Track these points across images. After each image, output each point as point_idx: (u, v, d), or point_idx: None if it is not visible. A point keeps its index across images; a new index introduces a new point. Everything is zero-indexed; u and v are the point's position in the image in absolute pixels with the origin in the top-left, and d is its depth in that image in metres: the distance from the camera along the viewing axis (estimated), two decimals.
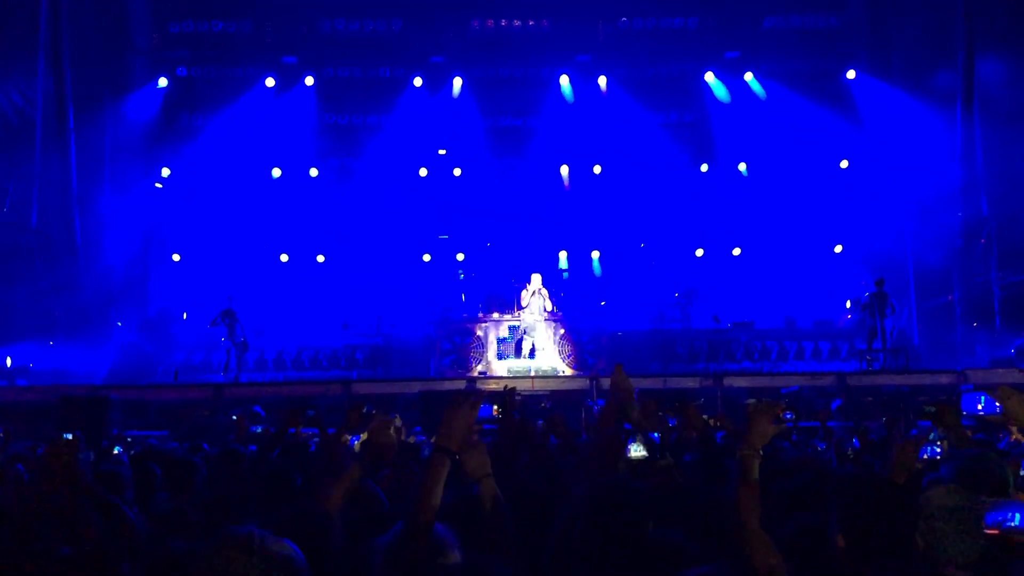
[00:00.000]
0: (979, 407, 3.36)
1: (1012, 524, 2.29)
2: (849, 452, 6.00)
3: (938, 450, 3.55)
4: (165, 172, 19.01)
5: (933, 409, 3.89)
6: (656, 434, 3.10)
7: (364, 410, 4.67)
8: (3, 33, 15.76)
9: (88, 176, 17.41)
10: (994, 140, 16.02)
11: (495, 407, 4.09)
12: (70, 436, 6.19)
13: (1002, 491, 2.85)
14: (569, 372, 14.51)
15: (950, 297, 16.68)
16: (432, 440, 2.47)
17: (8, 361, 14.54)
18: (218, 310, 15.31)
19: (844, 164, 18.92)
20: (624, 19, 19.52)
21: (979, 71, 16.41)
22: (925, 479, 3.35)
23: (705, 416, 5.37)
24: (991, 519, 2.33)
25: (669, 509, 2.94)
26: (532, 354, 14.64)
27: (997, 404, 2.94)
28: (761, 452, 2.75)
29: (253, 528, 1.89)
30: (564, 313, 15.46)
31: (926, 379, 13.08)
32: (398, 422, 6.39)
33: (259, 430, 8.93)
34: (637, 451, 3.03)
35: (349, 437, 5.99)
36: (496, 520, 2.65)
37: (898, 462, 3.17)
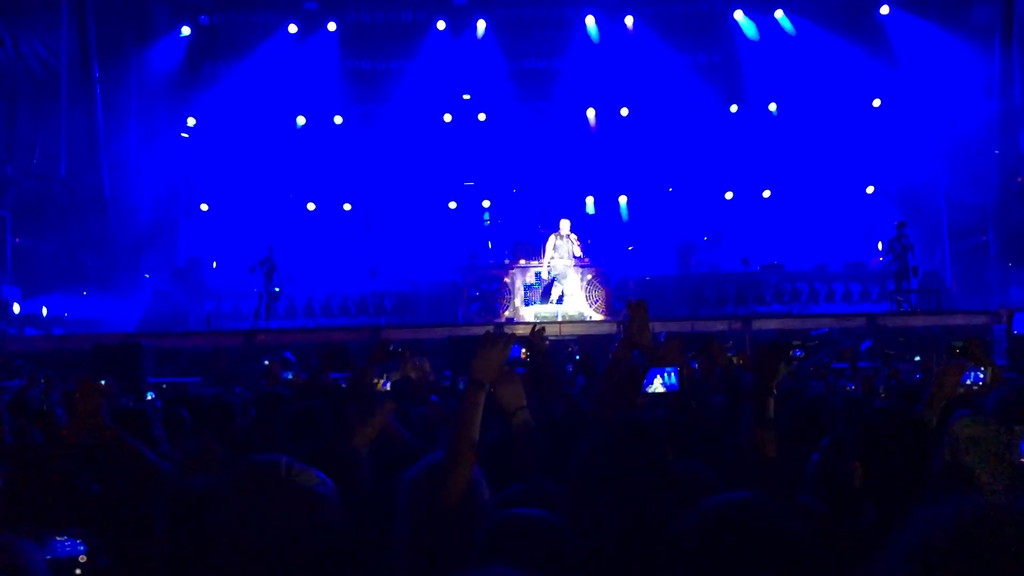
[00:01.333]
0: None
1: None
2: (881, 391, 5.95)
3: (981, 375, 3.47)
4: (191, 121, 19.03)
5: (961, 344, 3.83)
6: (676, 368, 3.07)
7: (391, 348, 4.69)
8: None
9: (114, 126, 17.48)
10: None
11: (523, 350, 4.11)
12: (102, 383, 6.27)
13: None
14: (597, 317, 14.48)
15: (985, 237, 16.39)
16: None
17: (44, 311, 14.78)
18: (257, 259, 15.44)
19: (877, 103, 18.49)
20: None
21: (1019, 3, 15.88)
22: (955, 414, 3.29)
23: (730, 355, 5.35)
24: None
25: (692, 443, 2.94)
26: (560, 300, 14.62)
27: None
28: (775, 390, 2.74)
29: (279, 456, 1.83)
30: (592, 258, 15.38)
31: (959, 319, 12.91)
32: (426, 366, 6.40)
33: (290, 376, 9.04)
34: (657, 387, 3.02)
35: (380, 379, 6.01)
36: (530, 449, 2.72)
37: (940, 386, 3.11)
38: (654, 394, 3.05)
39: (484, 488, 2.29)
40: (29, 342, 13.32)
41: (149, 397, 6.96)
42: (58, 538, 1.93)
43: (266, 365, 8.73)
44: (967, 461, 2.36)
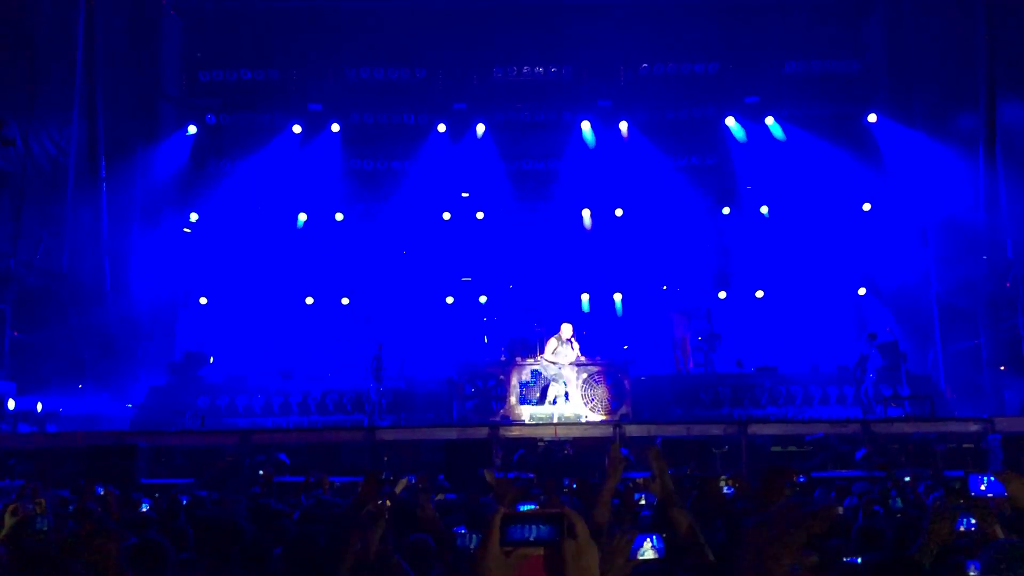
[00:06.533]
0: (982, 487, 3.34)
1: None
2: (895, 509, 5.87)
3: (973, 522, 3.45)
4: (193, 217, 19.35)
5: (958, 486, 3.85)
6: (660, 535, 3.03)
7: (383, 476, 4.68)
8: (40, 83, 16.19)
9: (118, 222, 17.75)
10: (1018, 183, 15.98)
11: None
12: (100, 492, 6.27)
13: None
14: (595, 417, 14.45)
15: (977, 341, 16.53)
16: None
17: (39, 406, 14.72)
18: (371, 356, 15.89)
19: (867, 207, 18.90)
20: (645, 65, 19.75)
21: (1001, 114, 16.40)
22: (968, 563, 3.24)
23: (723, 477, 5.37)
24: None
25: None
26: (555, 401, 14.59)
27: (1002, 486, 2.98)
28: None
29: None
30: (588, 356, 15.41)
31: (953, 426, 12.93)
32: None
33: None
34: (646, 553, 2.97)
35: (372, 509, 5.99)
36: None
37: (934, 532, 3.12)
38: (645, 561, 2.98)
39: None
40: (22, 439, 13.21)
41: (144, 508, 6.92)
42: None
43: (260, 474, 8.69)
44: None
